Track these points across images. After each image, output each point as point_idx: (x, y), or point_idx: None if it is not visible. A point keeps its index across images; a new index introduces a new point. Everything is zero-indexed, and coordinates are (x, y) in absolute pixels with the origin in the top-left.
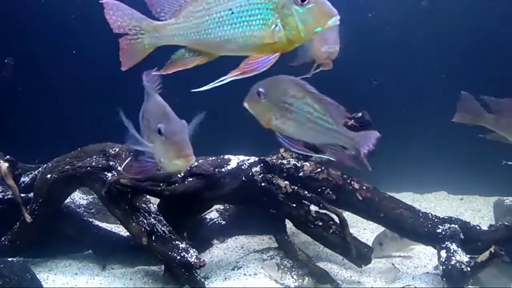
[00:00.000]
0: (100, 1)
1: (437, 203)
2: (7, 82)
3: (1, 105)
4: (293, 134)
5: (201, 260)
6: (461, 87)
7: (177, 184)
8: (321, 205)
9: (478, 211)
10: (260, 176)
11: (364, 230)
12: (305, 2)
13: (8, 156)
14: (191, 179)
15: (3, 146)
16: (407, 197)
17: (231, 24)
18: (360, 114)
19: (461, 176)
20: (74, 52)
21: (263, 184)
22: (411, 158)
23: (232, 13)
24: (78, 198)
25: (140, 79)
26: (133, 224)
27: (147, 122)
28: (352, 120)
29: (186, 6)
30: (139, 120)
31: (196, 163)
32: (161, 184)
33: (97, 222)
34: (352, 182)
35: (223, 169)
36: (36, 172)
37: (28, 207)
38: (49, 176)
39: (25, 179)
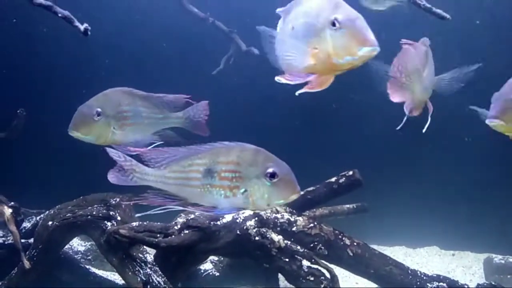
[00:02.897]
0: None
1: (429, 258)
2: (18, 132)
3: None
4: (135, 136)
5: None
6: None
7: (173, 236)
8: (313, 260)
9: (469, 268)
10: (254, 230)
11: (356, 284)
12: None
13: (12, 203)
14: (187, 231)
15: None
16: (399, 251)
17: None
18: (350, 173)
19: (454, 232)
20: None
21: (257, 238)
22: (404, 212)
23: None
24: (77, 244)
25: None
26: (129, 273)
27: (238, 173)
28: (343, 178)
29: None
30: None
31: (192, 216)
32: (158, 236)
33: (93, 269)
34: (344, 238)
35: (218, 222)
36: (37, 218)
37: (27, 253)
38: (50, 223)
39: (26, 224)
